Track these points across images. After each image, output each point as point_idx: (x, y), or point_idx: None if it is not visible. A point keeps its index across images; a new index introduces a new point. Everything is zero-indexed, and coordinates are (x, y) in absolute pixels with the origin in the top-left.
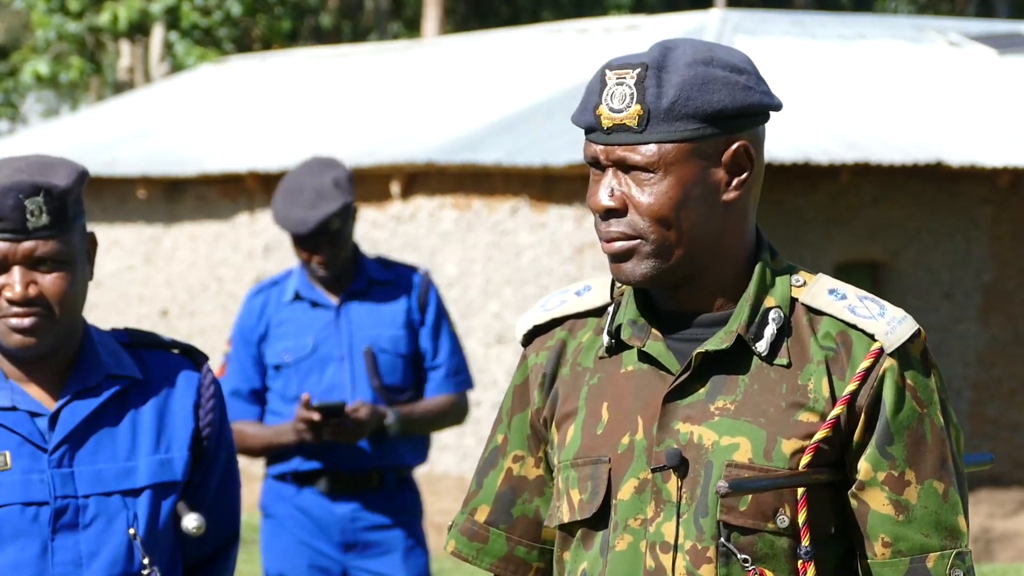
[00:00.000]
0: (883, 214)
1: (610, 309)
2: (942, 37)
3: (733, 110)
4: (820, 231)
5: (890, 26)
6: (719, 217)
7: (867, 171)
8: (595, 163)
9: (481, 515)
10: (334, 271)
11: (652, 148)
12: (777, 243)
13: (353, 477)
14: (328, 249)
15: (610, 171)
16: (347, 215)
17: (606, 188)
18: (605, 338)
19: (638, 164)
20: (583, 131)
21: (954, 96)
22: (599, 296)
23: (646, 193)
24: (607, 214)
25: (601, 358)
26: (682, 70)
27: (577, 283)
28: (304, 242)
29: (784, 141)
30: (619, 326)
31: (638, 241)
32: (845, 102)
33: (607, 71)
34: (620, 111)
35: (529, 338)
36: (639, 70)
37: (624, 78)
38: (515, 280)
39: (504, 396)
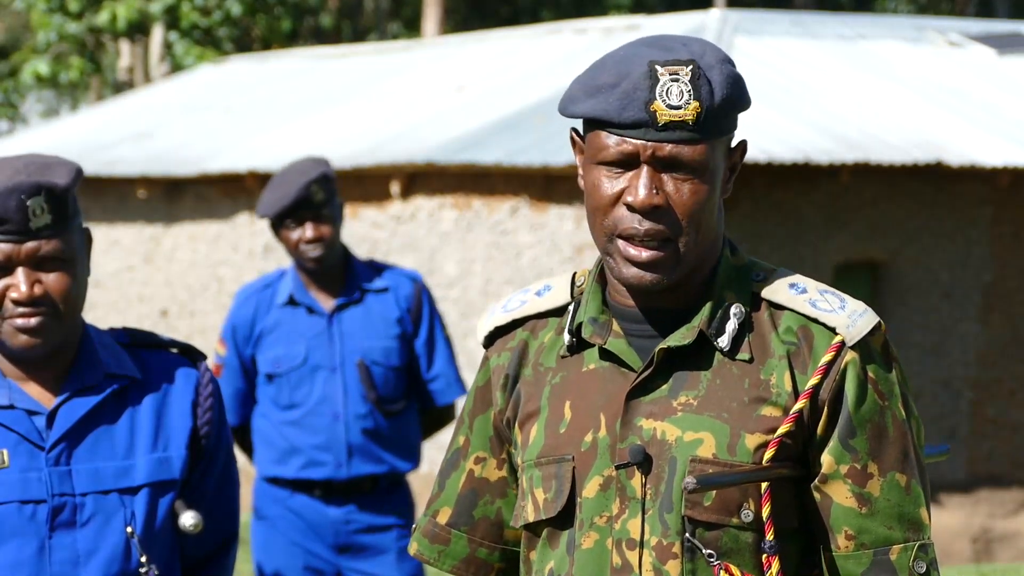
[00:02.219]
0: (883, 214)
1: (571, 308)
2: (942, 37)
3: (744, 109)
4: (820, 231)
5: (890, 26)
6: (720, 216)
7: (867, 171)
8: (623, 160)
9: (443, 517)
10: (326, 255)
11: (704, 147)
12: (777, 243)
13: (347, 484)
14: (314, 225)
15: (646, 168)
16: (329, 188)
17: (650, 185)
18: (566, 337)
19: (690, 162)
20: (611, 126)
21: (954, 96)
22: (560, 296)
23: (686, 192)
24: (651, 212)
25: (563, 357)
26: (719, 68)
27: (537, 282)
28: (288, 217)
29: (784, 141)
30: (580, 324)
31: (671, 244)
32: (845, 102)
33: (657, 66)
34: (678, 107)
35: (491, 339)
36: (691, 67)
37: (678, 74)
38: (515, 280)
39: (466, 399)
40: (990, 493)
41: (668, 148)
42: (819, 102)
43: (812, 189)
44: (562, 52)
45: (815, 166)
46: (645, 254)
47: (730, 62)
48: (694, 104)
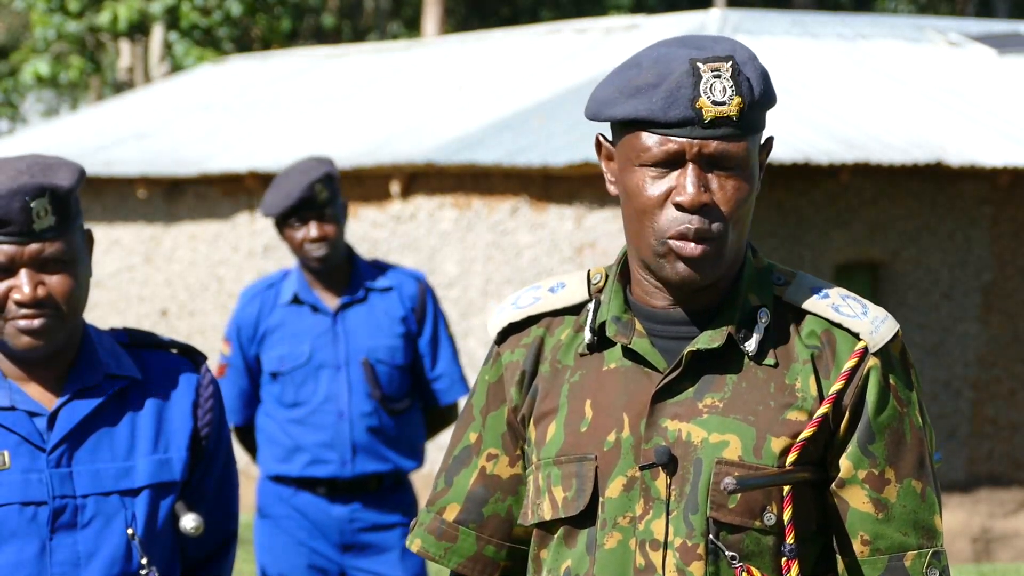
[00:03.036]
0: (883, 214)
1: (589, 306)
2: (942, 37)
3: (775, 105)
4: (820, 231)
5: (890, 26)
6: (751, 213)
7: (867, 171)
8: (668, 160)
9: (450, 514)
10: (330, 255)
11: (746, 143)
12: (777, 243)
13: (351, 482)
14: (319, 224)
15: (692, 166)
16: (333, 187)
17: (698, 183)
18: (587, 335)
19: (734, 158)
20: (656, 126)
21: (954, 96)
22: (576, 293)
23: (730, 188)
24: (700, 210)
25: (582, 355)
26: (751, 64)
27: (549, 279)
28: (292, 216)
29: (784, 141)
30: (603, 323)
31: (716, 242)
32: (845, 102)
33: (699, 63)
34: (723, 103)
35: (503, 336)
36: (731, 63)
37: (719, 71)
38: (515, 280)
39: (473, 394)
40: (990, 493)
41: (714, 145)
42: (819, 102)
43: (812, 189)
44: (562, 52)
45: (815, 166)
46: (697, 250)
47: (758, 58)
48: (737, 100)
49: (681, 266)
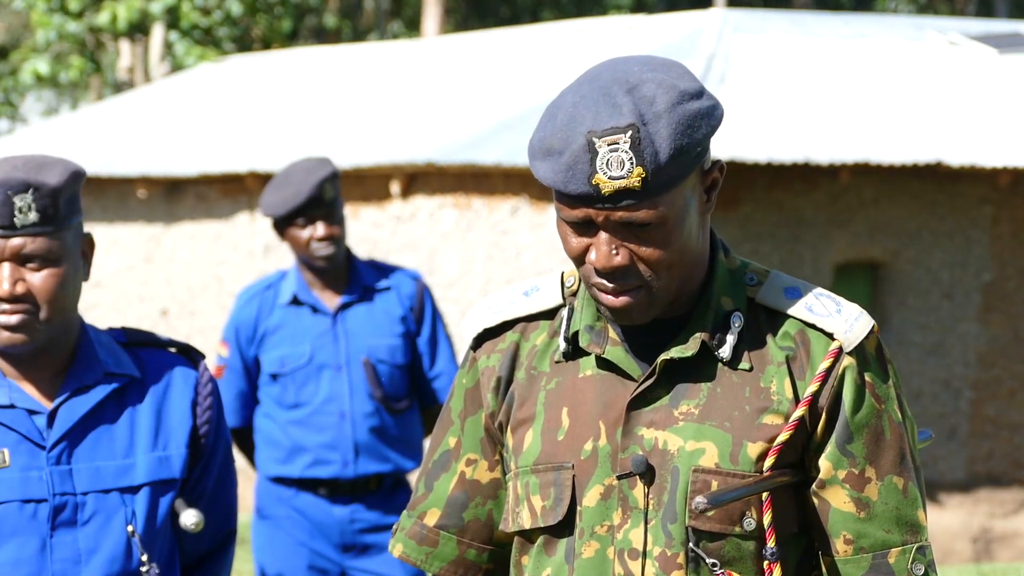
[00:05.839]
0: (883, 214)
1: (563, 312)
2: (942, 37)
3: (711, 136)
4: (820, 231)
5: (890, 25)
6: (703, 234)
7: (867, 171)
8: (582, 222)
9: (431, 519)
10: (336, 254)
11: (655, 204)
12: (777, 243)
13: (352, 483)
14: (326, 224)
15: (601, 233)
16: (337, 186)
17: (608, 247)
18: (562, 343)
19: (644, 222)
20: (562, 195)
21: (954, 96)
22: (550, 297)
23: (653, 245)
24: (614, 272)
25: (558, 362)
26: (666, 117)
27: (523, 282)
28: (299, 216)
29: (784, 141)
30: (576, 332)
31: (642, 290)
32: (845, 102)
33: (595, 139)
34: (621, 177)
35: (479, 341)
36: (631, 132)
37: (617, 143)
38: (515, 280)
39: (451, 398)
40: (990, 493)
41: (619, 214)
42: (819, 102)
43: (812, 189)
44: (562, 52)
45: (815, 166)
46: (619, 300)
47: (688, 97)
48: (637, 171)
49: (609, 313)
